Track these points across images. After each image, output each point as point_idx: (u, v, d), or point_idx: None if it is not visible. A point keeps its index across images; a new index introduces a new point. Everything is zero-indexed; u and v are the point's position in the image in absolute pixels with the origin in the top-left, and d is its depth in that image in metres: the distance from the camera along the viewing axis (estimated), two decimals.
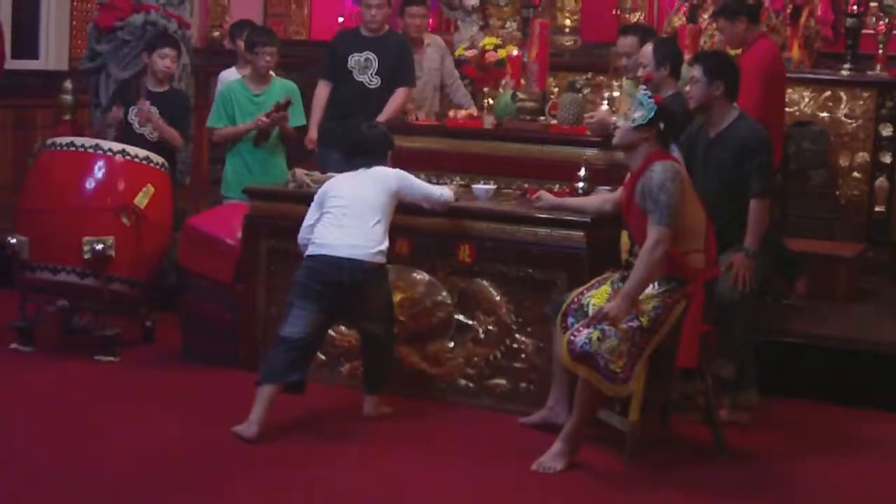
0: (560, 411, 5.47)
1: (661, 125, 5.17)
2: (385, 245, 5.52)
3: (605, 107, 6.60)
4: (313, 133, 7.55)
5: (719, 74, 5.70)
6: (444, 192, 5.83)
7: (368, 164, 5.66)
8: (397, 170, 5.73)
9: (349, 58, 7.51)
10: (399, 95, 7.47)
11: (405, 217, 5.78)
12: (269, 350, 5.60)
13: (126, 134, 6.92)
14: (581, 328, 5.09)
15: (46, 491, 4.67)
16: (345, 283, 5.42)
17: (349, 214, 5.51)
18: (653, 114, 5.15)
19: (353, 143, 5.82)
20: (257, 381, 5.39)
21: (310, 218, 5.64)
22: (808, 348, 6.31)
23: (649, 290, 5.11)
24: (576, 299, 5.34)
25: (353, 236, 5.45)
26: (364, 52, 7.50)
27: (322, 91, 7.63)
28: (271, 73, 7.33)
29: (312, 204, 5.67)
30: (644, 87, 5.66)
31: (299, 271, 5.53)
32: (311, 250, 5.53)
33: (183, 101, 7.45)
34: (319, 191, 5.69)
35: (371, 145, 5.72)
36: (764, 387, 5.84)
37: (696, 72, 5.73)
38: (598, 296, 5.29)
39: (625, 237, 5.50)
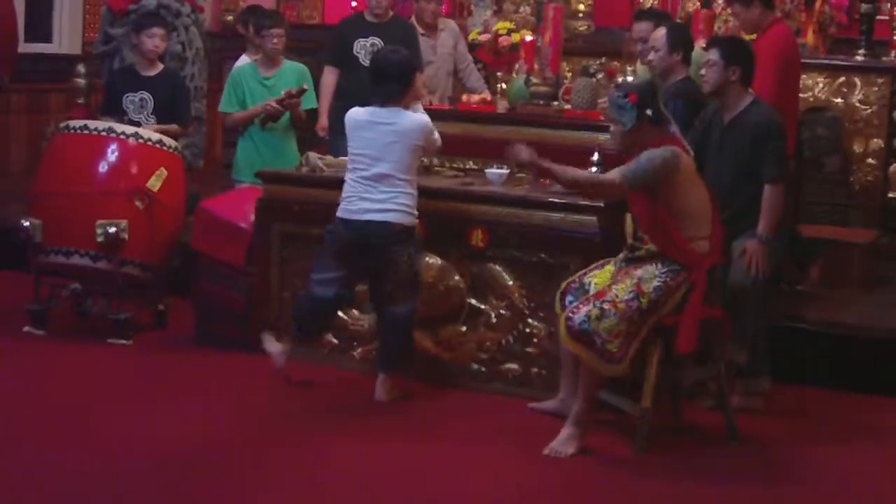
0: (572, 404, 5.42)
1: (648, 112, 5.16)
2: (412, 203, 5.60)
3: None
4: (324, 120, 7.55)
5: (736, 60, 5.69)
6: (438, 138, 5.78)
7: (386, 95, 5.62)
8: (424, 121, 5.69)
9: (355, 43, 7.52)
10: None
11: (418, 201, 5.77)
12: (297, 304, 5.86)
13: (122, 122, 6.83)
14: (580, 306, 5.08)
15: (59, 474, 4.68)
16: (371, 245, 5.54)
17: (374, 177, 5.56)
18: (636, 111, 5.14)
19: (374, 69, 5.76)
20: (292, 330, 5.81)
21: None
22: (821, 335, 6.29)
23: (652, 269, 5.10)
24: (577, 279, 5.33)
25: (379, 200, 5.53)
26: (370, 38, 7.50)
27: (329, 77, 7.62)
28: (281, 56, 7.31)
29: None
30: (615, 86, 5.63)
31: (327, 235, 5.68)
32: (339, 213, 5.62)
33: (177, 82, 7.30)
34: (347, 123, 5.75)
35: (391, 70, 5.66)
36: (776, 373, 5.83)
37: (713, 55, 5.71)
38: (599, 275, 5.28)
39: (629, 220, 5.48)
